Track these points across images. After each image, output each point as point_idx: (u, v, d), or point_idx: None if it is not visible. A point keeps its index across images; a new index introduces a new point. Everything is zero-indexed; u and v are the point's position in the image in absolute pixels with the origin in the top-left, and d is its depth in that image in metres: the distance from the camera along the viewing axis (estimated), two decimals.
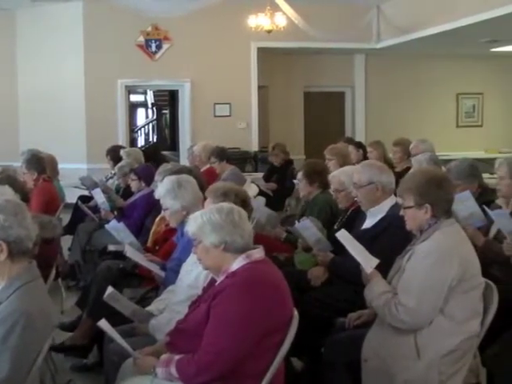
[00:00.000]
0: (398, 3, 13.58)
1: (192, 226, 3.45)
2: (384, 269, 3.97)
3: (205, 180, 6.43)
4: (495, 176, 5.55)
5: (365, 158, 8.96)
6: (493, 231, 5.36)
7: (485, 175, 6.60)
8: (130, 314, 4.29)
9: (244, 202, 4.42)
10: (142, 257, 5.26)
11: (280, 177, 10.45)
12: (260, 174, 11.65)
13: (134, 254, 5.25)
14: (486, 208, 5.22)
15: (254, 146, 14.38)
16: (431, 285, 3.66)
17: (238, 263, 3.38)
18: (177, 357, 3.37)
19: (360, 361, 3.81)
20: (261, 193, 9.41)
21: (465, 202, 5.11)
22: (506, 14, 10.48)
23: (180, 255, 4.67)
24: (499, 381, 4.24)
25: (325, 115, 16.06)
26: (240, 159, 13.21)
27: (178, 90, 14.60)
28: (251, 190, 9.03)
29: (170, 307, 4.18)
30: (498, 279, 4.78)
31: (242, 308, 3.21)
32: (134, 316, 4.30)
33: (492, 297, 3.87)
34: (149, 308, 4.37)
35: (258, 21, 12.13)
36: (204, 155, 9.59)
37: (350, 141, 10.56)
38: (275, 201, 9.61)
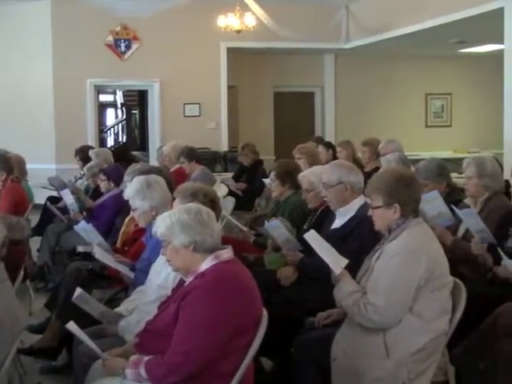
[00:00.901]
0: (367, 4, 13.64)
1: (161, 226, 3.44)
2: (353, 268, 3.99)
3: (174, 180, 6.42)
4: (463, 176, 5.59)
5: (334, 157, 9.00)
6: (461, 230, 5.41)
7: (453, 175, 6.66)
8: (99, 316, 4.26)
9: (213, 203, 4.41)
10: (110, 258, 5.23)
11: (250, 177, 10.44)
12: (230, 174, 11.63)
13: (102, 255, 5.22)
14: (454, 207, 5.27)
15: (224, 146, 14.38)
16: (400, 284, 3.68)
17: (207, 263, 3.37)
18: (146, 358, 3.35)
19: (329, 360, 3.83)
20: (230, 193, 9.41)
21: (433, 202, 5.15)
22: (474, 16, 10.58)
23: (149, 256, 4.64)
24: (467, 378, 4.29)
25: (295, 115, 16.10)
26: (210, 159, 13.20)
27: (147, 90, 14.56)
28: (221, 190, 9.03)
29: (140, 308, 4.16)
30: (467, 277, 4.83)
31: (210, 308, 3.20)
32: (103, 317, 4.27)
33: (460, 295, 3.90)
34: (118, 309, 4.34)
35: (228, 21, 12.13)
36: (173, 155, 9.57)
37: (320, 140, 10.61)
38: (245, 201, 9.64)
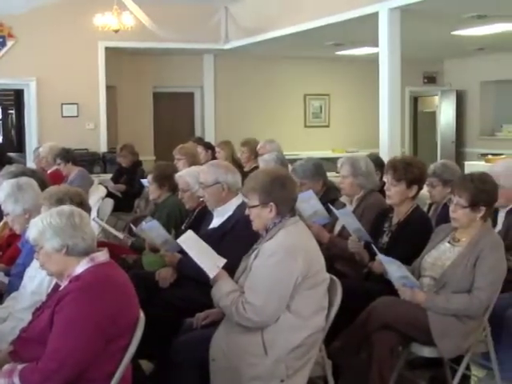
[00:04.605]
0: (246, 5, 13.71)
1: (33, 231, 3.36)
2: (231, 268, 4.00)
3: (51, 182, 6.27)
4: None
5: (214, 158, 9.03)
6: (337, 228, 5.54)
7: (332, 174, 6.79)
8: None
9: (81, 205, 4.26)
10: None
11: (129, 178, 10.35)
12: (109, 176, 11.49)
13: None
14: (330, 206, 5.38)
15: (103, 147, 14.19)
16: (277, 282, 3.71)
17: (81, 267, 3.31)
18: (20, 366, 3.25)
19: (209, 360, 3.83)
20: (109, 194, 9.29)
21: (308, 201, 5.26)
22: (350, 19, 10.79)
23: (24, 261, 4.52)
24: (344, 372, 4.40)
25: (174, 116, 16.03)
26: (88, 160, 13.02)
27: (23, 90, 14.19)
28: (99, 191, 8.91)
29: (14, 315, 4.05)
30: (343, 274, 4.96)
31: (85, 312, 3.14)
32: None
33: (336, 291, 3.99)
34: None
35: (105, 20, 11.93)
36: (50, 157, 9.39)
37: (199, 141, 10.62)
38: (124, 202, 9.57)
